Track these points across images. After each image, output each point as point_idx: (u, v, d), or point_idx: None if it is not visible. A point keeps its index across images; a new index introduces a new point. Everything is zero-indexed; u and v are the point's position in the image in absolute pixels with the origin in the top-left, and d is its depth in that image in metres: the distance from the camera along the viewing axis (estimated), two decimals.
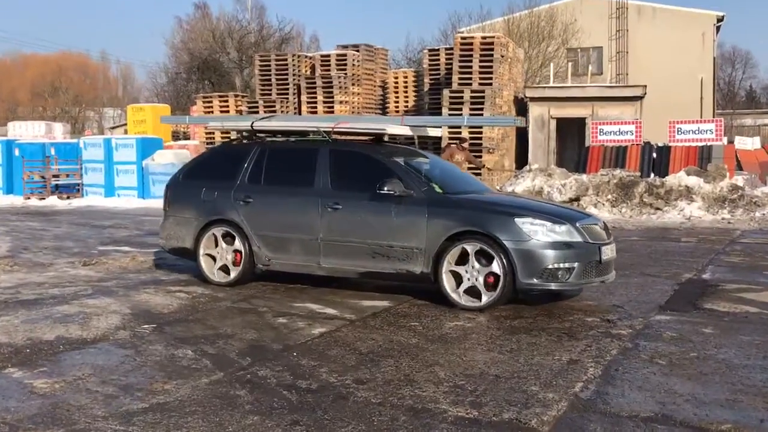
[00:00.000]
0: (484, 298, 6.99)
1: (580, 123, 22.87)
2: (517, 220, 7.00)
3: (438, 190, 7.62)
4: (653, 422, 4.29)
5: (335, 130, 8.43)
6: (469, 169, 17.83)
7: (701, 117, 30.08)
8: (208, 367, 5.31)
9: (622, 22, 35.09)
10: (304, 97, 23.15)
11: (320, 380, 5.01)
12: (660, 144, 20.29)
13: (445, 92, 20.89)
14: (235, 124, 9.56)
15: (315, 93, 22.94)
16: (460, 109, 20.58)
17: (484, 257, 7.01)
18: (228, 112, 23.66)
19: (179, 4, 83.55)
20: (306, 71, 24.11)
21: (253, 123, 8.88)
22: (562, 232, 6.99)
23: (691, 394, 4.77)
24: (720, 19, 35.49)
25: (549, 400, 4.63)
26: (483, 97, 20.42)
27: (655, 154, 19.69)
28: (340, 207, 7.67)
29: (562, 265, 6.91)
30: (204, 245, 8.37)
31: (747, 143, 27.38)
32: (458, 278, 7.13)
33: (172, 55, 49.53)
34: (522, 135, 23.28)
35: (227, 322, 6.67)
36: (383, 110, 24.69)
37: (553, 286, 6.99)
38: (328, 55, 23.56)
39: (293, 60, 23.98)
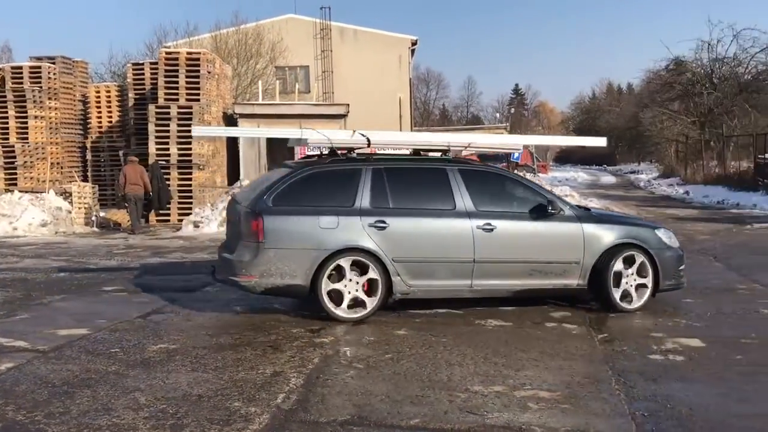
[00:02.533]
0: (646, 296, 7.85)
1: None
2: (656, 231, 8.08)
3: (576, 206, 8.18)
4: (350, 425, 4.50)
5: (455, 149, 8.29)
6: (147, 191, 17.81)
7: None
8: None
9: (327, 42, 36.58)
10: None
11: (6, 419, 4.60)
12: None
13: (151, 107, 20.27)
14: (344, 139, 8.17)
15: (5, 107, 21.09)
16: (168, 125, 20.10)
17: (630, 265, 7.80)
18: None
19: None
20: None
21: (369, 140, 8.04)
22: (674, 239, 8.18)
23: (385, 393, 5.08)
24: (414, 43, 38.30)
25: (251, 414, 4.66)
26: (191, 113, 20.12)
27: None
28: (495, 227, 7.53)
29: (682, 267, 8.12)
30: (326, 278, 7.25)
31: None
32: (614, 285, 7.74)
33: None
34: (233, 151, 23.29)
35: None
36: (85, 125, 23.32)
37: (679, 286, 8.14)
38: (20, 67, 21.78)
39: None
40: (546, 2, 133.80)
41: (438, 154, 8.35)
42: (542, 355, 6.09)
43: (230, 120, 23.55)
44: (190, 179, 20.18)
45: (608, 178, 49.31)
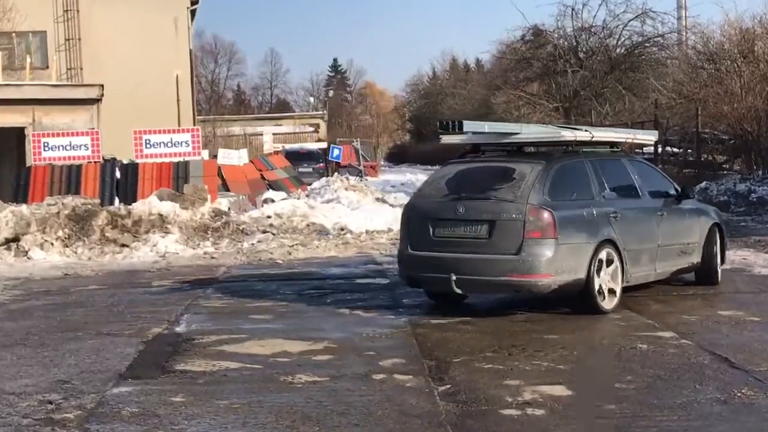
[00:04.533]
0: (721, 267, 11.42)
1: (19, 134, 22.47)
2: (720, 215, 11.96)
3: None
4: None
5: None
6: None
7: (180, 125, 31.73)
8: None
9: (72, 0, 35.43)
10: None
11: None
12: (126, 161, 20.84)
13: None
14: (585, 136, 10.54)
15: None
16: None
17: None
18: None
19: None
20: None
21: (593, 135, 10.58)
22: None
23: None
24: (194, 2, 37.77)
25: None
26: None
27: (119, 174, 20.13)
28: (664, 214, 10.32)
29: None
30: (596, 271, 9.08)
31: (233, 157, 29.63)
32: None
33: None
34: None
35: None
36: None
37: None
38: None
39: None
40: None
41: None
42: (367, 419, 6.16)
43: None
44: None
45: None
